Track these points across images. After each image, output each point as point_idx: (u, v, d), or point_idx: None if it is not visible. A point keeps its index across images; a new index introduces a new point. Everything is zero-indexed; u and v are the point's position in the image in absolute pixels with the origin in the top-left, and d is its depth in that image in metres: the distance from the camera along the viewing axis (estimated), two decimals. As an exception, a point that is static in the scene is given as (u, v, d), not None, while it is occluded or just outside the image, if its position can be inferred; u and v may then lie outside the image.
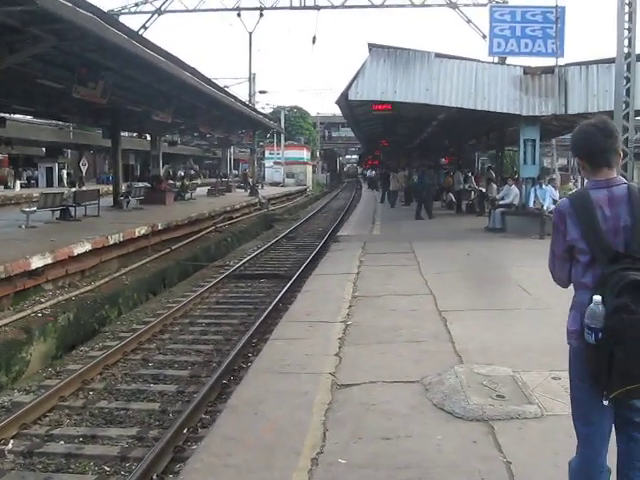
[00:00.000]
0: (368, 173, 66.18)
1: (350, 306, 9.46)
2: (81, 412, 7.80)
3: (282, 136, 62.47)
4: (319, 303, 9.95)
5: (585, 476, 3.30)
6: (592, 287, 3.06)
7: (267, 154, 67.61)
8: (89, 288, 13.25)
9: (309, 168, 70.26)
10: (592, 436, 3.24)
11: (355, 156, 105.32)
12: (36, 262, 12.14)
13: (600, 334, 2.88)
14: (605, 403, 3.02)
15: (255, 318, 11.80)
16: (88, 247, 14.31)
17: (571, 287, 3.37)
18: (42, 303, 11.66)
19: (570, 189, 37.83)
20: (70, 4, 11.89)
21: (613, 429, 3.25)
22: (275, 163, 64.46)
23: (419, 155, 44.84)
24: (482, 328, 8.06)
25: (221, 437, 5.06)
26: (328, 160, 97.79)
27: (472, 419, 5.16)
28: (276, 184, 58.68)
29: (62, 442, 6.91)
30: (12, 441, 6.86)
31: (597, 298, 2.89)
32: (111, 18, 15.48)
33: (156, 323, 11.52)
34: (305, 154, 71.01)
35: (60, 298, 12.15)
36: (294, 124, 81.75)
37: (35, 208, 18.82)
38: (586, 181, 3.44)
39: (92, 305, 12.47)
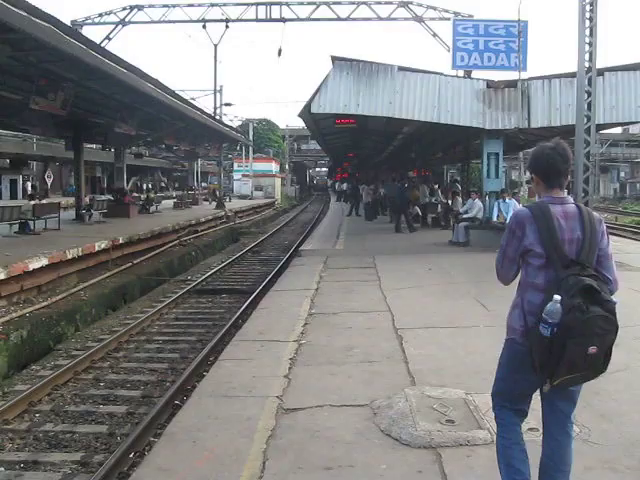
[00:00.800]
0: (337, 186, 65.62)
1: (305, 324, 9.27)
2: (25, 436, 7.48)
3: (250, 149, 62.30)
4: (274, 321, 9.73)
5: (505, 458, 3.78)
6: (543, 288, 3.50)
7: (235, 166, 67.61)
8: (45, 304, 12.94)
9: (278, 181, 70.10)
10: (511, 395, 3.79)
11: (325, 169, 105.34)
12: (-13, 278, 11.84)
13: (555, 329, 3.29)
14: (545, 389, 3.53)
15: (213, 335, 11.56)
16: (45, 262, 14.00)
17: None
18: (-7, 320, 11.32)
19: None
20: (25, 13, 11.64)
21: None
22: (243, 176, 64.25)
23: (387, 168, 44.98)
24: (438, 347, 7.93)
25: (155, 468, 4.81)
26: (297, 173, 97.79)
27: (419, 446, 4.96)
28: (244, 197, 58.50)
29: (2, 469, 6.62)
30: (-53, 469, 6.57)
31: (557, 297, 3.28)
32: (70, 29, 15.15)
33: (111, 340, 11.26)
34: (274, 167, 71.06)
35: (14, 315, 11.82)
36: (263, 137, 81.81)
37: (-9, 222, 18.40)
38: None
39: (47, 322, 12.14)
